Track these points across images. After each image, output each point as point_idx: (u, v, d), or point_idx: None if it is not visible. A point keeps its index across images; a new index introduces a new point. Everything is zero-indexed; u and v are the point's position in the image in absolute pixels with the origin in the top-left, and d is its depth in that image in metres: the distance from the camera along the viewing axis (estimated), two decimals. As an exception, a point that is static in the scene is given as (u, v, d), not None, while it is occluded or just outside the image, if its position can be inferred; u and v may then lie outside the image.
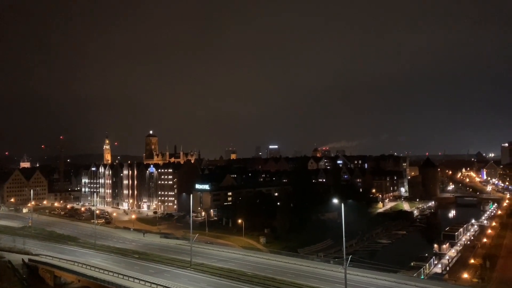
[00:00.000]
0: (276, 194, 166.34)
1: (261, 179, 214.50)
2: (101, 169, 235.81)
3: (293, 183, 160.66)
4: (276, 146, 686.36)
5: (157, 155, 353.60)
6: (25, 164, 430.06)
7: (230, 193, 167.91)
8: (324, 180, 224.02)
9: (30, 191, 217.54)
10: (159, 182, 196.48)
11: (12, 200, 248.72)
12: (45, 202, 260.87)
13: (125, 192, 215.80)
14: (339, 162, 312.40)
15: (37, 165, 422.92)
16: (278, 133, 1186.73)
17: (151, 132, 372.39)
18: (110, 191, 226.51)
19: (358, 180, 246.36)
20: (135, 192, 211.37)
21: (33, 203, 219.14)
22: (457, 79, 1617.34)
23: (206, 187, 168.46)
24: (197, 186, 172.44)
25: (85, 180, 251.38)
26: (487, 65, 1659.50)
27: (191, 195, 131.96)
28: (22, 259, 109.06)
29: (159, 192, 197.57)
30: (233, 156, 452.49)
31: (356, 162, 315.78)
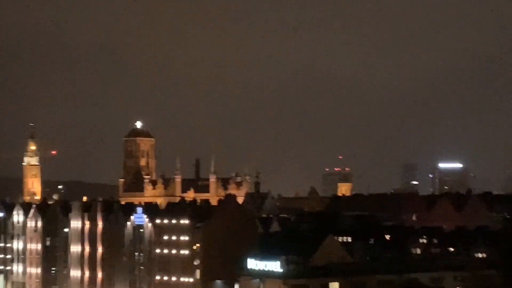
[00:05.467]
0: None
1: (418, 250, 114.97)
2: (17, 216, 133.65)
3: (506, 262, 74.35)
4: (459, 165, 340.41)
5: (153, 183, 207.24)
6: None
7: (336, 285, 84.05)
8: None
9: None
10: (159, 250, 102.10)
11: None
12: None
13: (75, 274, 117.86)
14: None
15: None
16: (459, 134, 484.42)
17: (137, 125, 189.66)
18: (38, 271, 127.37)
19: None
20: (99, 273, 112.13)
21: None
22: None
23: (275, 266, 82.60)
24: (253, 263, 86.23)
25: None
26: None
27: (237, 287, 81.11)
28: None
29: (157, 277, 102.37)
30: (343, 189, 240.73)
31: None
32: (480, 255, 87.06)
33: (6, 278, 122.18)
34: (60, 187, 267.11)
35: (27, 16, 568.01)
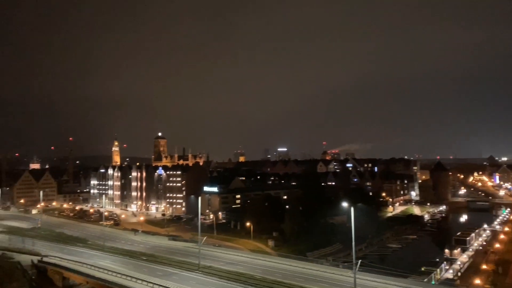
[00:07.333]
0: (285, 197, 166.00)
1: (270, 182, 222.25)
2: (110, 171, 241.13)
3: (302, 186, 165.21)
4: (285, 149, 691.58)
5: (166, 157, 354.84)
6: (35, 166, 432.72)
7: (238, 196, 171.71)
8: (333, 183, 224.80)
9: (40, 192, 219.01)
10: (168, 184, 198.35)
11: (22, 201, 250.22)
12: (54, 203, 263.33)
13: (134, 194, 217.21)
14: (348, 165, 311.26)
15: (47, 166, 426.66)
16: (287, 136, 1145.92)
17: (159, 134, 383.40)
18: (119, 193, 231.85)
19: (368, 184, 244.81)
20: (144, 194, 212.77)
21: (42, 204, 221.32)
22: (469, 81, 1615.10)
23: (215, 189, 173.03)
24: (206, 188, 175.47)
25: (94, 181, 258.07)
26: (502, 68, 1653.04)
27: (199, 198, 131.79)
28: (31, 260, 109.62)
29: (168, 194, 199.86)
30: (241, 159, 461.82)
31: (366, 165, 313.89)
32: (294, 183, 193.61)
33: (105, 196, 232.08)
34: (127, 159, 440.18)
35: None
